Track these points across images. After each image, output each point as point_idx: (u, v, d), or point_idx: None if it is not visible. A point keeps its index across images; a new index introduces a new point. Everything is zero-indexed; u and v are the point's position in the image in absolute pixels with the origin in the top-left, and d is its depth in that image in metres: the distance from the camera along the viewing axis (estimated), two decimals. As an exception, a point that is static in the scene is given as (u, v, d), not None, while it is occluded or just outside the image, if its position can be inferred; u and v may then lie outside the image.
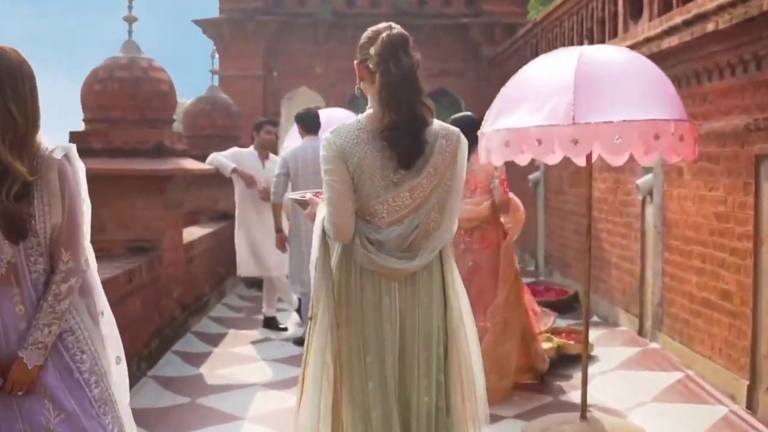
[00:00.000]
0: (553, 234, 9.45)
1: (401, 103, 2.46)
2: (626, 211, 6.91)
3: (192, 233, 7.89)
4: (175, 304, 6.58)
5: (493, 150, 4.21)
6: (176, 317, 6.62)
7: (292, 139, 7.71)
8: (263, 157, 7.30)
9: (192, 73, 25.21)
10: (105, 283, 4.98)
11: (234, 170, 7.08)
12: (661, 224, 6.07)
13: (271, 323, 7.37)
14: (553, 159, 4.63)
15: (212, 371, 5.89)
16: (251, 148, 7.37)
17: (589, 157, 4.44)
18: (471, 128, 4.47)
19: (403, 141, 2.47)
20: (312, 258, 2.64)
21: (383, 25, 2.59)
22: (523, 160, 4.64)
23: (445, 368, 2.63)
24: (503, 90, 4.40)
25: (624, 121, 3.83)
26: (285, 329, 7.30)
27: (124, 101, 6.17)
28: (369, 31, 2.61)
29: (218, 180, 7.58)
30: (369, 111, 2.59)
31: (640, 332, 6.43)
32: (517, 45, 11.60)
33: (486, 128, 4.34)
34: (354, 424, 2.60)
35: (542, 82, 4.17)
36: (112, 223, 6.03)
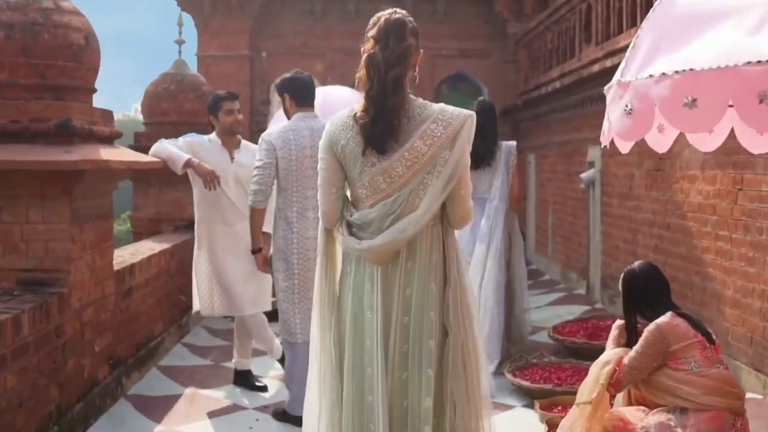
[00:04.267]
0: (617, 250, 7.30)
1: (377, 83, 2.46)
2: (755, 225, 4.78)
3: (137, 251, 5.75)
4: (97, 361, 4.45)
5: (657, 112, 2.08)
6: (100, 381, 4.49)
7: (278, 125, 5.54)
8: (231, 145, 5.14)
9: (166, 61, 22.61)
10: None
11: (188, 163, 4.92)
12: (838, 248, 3.95)
13: (244, 379, 5.25)
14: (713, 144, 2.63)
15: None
16: (213, 134, 5.21)
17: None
18: None
19: (370, 121, 2.48)
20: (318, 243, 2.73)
21: (389, 10, 2.57)
22: (662, 146, 2.62)
23: (447, 364, 2.54)
24: (662, 1, 2.28)
25: None
26: (263, 388, 5.17)
27: (13, 58, 4.04)
28: (374, 17, 2.58)
29: (184, 179, 5.40)
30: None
31: (790, 407, 4.30)
32: (558, 15, 9.45)
33: (629, 76, 2.22)
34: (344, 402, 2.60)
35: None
36: (-5, 244, 3.94)
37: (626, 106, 2.17)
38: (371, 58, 2.47)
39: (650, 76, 2.07)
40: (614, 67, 6.87)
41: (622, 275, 3.22)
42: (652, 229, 6.39)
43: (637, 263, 3.26)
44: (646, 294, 3.13)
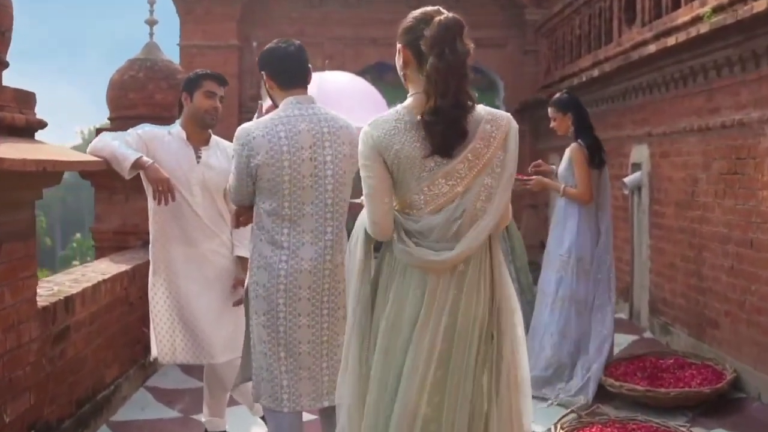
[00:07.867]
0: (673, 270, 6.10)
1: (449, 88, 2.36)
2: None
3: (82, 276, 4.55)
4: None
5: None
6: (12, 461, 3.29)
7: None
8: (198, 141, 3.90)
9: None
10: None
11: (137, 163, 3.67)
12: None
13: (217, 443, 4.08)
14: None
15: None
16: (176, 124, 3.98)
17: None
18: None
19: (440, 126, 2.37)
20: (354, 259, 2.53)
21: (431, 8, 2.49)
22: None
23: (493, 369, 2.48)
24: None
25: None
26: (242, 456, 3.99)
27: None
28: (417, 13, 2.48)
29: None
30: (410, 99, 2.47)
31: None
32: (589, -4, 8.27)
33: None
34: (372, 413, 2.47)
35: None
36: None
37: None
38: (445, 61, 2.34)
39: None
40: (676, 48, 5.67)
41: None
42: (726, 246, 5.18)
43: None
44: None
